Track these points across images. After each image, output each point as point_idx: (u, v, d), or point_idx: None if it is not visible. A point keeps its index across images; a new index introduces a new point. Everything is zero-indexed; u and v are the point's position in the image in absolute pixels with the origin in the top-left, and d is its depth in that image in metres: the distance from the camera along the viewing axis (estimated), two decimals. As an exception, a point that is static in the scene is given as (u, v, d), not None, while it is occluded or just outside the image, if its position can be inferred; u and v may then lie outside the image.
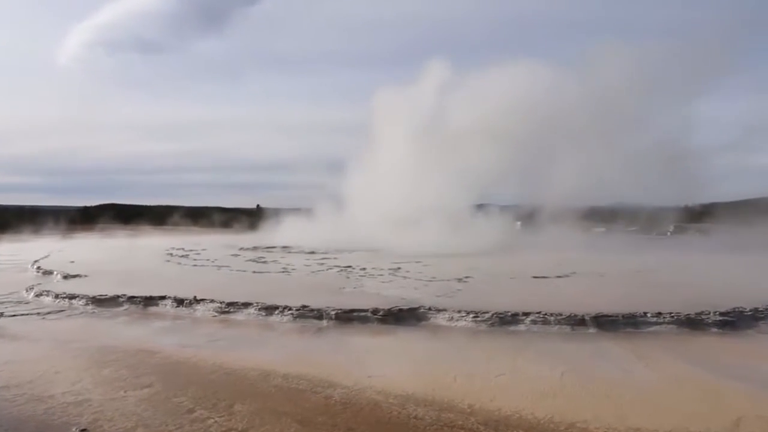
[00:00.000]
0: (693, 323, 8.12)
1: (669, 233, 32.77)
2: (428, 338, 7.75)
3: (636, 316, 8.26)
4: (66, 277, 13.32)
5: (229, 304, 9.42)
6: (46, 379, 6.06)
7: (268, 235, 32.32)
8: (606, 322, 8.11)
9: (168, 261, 17.39)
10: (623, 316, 8.22)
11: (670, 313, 8.27)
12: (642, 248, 21.12)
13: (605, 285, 11.74)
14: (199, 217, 42.72)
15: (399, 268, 14.61)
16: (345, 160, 29.74)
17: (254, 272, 14.12)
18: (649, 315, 8.26)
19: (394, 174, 25.56)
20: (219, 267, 15.48)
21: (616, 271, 14.02)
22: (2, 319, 9.16)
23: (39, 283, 12.36)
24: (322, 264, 16.08)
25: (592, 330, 7.99)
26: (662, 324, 8.11)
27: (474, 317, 8.40)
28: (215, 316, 9.27)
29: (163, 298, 10.03)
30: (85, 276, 13.31)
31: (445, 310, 8.74)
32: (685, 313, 8.27)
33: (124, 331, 8.35)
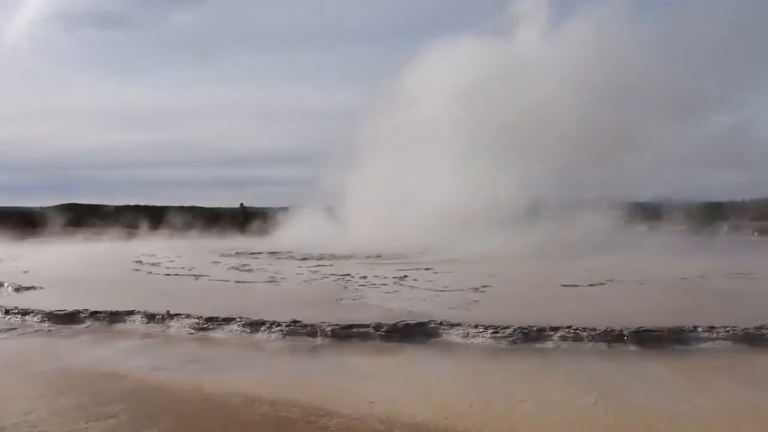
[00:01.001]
0: (752, 339, 8.05)
1: (723, 233, 32.65)
2: (440, 357, 7.73)
3: (684, 330, 8.20)
4: (18, 289, 13.38)
5: (208, 320, 9.43)
6: (-5, 408, 6.07)
7: (253, 238, 32.41)
8: (648, 339, 8.05)
9: (137, 270, 17.45)
10: (669, 331, 8.16)
11: (725, 327, 8.20)
12: (691, 250, 21.03)
13: (647, 294, 11.69)
14: (173, 218, 42.87)
15: (405, 277, 14.62)
16: (347, 150, 29.70)
17: (237, 282, 14.17)
18: (700, 329, 8.20)
19: (434, 162, 25.26)
20: (196, 276, 15.52)
21: (660, 277, 13.96)
22: (-55, 338, 9.20)
23: (-12, 297, 12.42)
24: (316, 272, 16.11)
25: (632, 347, 7.94)
26: (716, 340, 8.04)
27: (493, 333, 8.37)
28: (192, 333, 9.27)
29: (131, 313, 10.05)
30: (41, 288, 13.37)
31: (459, 324, 8.71)
32: (743, 327, 8.19)
33: (86, 352, 8.36)
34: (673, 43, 26.43)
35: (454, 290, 12.24)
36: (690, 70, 25.62)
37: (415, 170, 26.28)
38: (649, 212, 32.97)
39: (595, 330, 8.20)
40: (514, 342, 8.22)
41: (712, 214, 32.82)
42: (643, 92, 25.25)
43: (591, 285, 12.84)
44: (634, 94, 25.22)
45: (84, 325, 9.96)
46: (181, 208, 48.65)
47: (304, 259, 20.71)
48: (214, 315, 9.52)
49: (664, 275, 14.41)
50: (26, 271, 16.58)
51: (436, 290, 12.32)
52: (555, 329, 8.30)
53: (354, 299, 11.37)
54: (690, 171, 26.99)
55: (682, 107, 25.76)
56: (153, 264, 19.05)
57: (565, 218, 24.77)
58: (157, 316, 9.81)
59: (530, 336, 8.28)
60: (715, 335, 8.10)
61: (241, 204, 48.08)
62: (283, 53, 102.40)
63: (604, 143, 25.51)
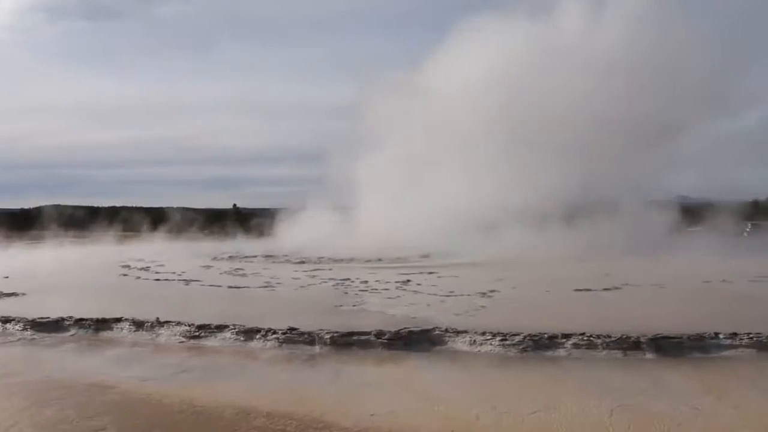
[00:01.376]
0: (776, 346, 8.03)
1: (746, 233, 32.55)
2: (445, 367, 7.73)
3: (705, 337, 8.19)
4: (-1, 295, 13.42)
5: (200, 327, 9.45)
6: (-25, 421, 6.09)
7: (247, 241, 32.47)
8: (667, 346, 8.04)
9: (125, 275, 17.51)
10: (689, 338, 8.15)
11: (749, 333, 8.18)
12: (711, 252, 20.98)
13: (665, 299, 11.68)
14: (162, 220, 42.96)
15: (408, 281, 14.65)
16: (352, 147, 29.74)
17: (230, 287, 14.20)
18: (721, 336, 8.19)
19: (449, 159, 25.23)
20: (187, 281, 15.57)
21: (679, 280, 13.95)
22: None
23: (-33, 304, 12.45)
24: (314, 276, 16.15)
25: (649, 355, 7.93)
26: (738, 347, 8.01)
27: (501, 340, 8.38)
28: (183, 342, 9.29)
29: (118, 320, 10.08)
30: (23, 294, 13.42)
31: (465, 331, 8.72)
32: None
33: (71, 362, 8.39)
34: (720, 31, 26.58)
35: (460, 295, 12.25)
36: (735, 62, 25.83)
37: (428, 169, 26.43)
38: (674, 211, 32.90)
39: (609, 337, 8.19)
40: (523, 350, 8.21)
41: (737, 212, 32.67)
42: (685, 82, 25.35)
43: (606, 289, 12.83)
44: (678, 85, 25.38)
45: (68, 334, 9.98)
46: (171, 209, 48.77)
47: (301, 262, 20.76)
48: (206, 322, 9.54)
49: (684, 278, 14.40)
50: (7, 277, 16.63)
51: (441, 295, 12.33)
52: (567, 336, 8.29)
53: (354, 305, 11.39)
54: (720, 167, 27.23)
55: (725, 99, 25.96)
56: (142, 269, 19.11)
57: (592, 219, 24.85)
58: (146, 324, 9.83)
59: (541, 343, 8.27)
60: (737, 342, 8.08)
61: (234, 205, 48.21)
62: (281, 45, 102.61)
63: (638, 138, 25.65)
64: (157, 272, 18.01)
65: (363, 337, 8.70)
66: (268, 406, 6.29)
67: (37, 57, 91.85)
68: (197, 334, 9.38)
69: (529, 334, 8.38)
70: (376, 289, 13.44)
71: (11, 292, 13.67)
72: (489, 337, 8.47)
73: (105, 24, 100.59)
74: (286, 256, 23.12)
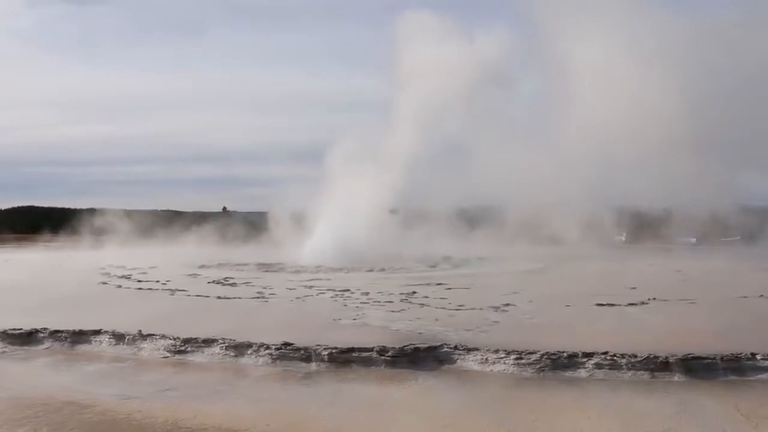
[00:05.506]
0: (819, 369, 8.02)
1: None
2: (454, 387, 7.75)
3: (741, 358, 8.18)
4: (-32, 304, 13.47)
5: (186, 341, 9.49)
6: (-59, 441, 6.13)
7: (238, 247, 32.56)
8: (699, 367, 8.04)
9: (104, 283, 17.56)
10: (723, 359, 8.13)
11: (788, 354, 8.17)
12: (748, 265, 20.92)
13: (697, 316, 11.65)
14: (145, 223, 43.08)
15: (414, 293, 14.68)
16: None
17: (220, 298, 14.24)
18: (759, 357, 8.17)
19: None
20: (172, 291, 15.61)
21: (712, 296, 13.92)
22: None
23: (-67, 313, 12.51)
24: (311, 287, 16.18)
25: (679, 377, 7.92)
26: (777, 369, 8.01)
27: (516, 359, 8.38)
28: (167, 357, 9.33)
29: (97, 332, 10.13)
30: (-6, 303, 13.46)
31: (476, 349, 8.73)
32: (809, 355, 8.17)
33: (46, 378, 8.43)
34: None
35: (471, 309, 12.25)
36: None
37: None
38: (696, 221, 32.88)
39: (635, 356, 8.18)
40: (540, 370, 8.22)
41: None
42: None
43: (631, 304, 12.81)
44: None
45: (43, 347, 10.02)
46: (155, 212, 48.92)
47: (297, 271, 20.79)
48: (193, 336, 9.57)
49: (718, 293, 14.35)
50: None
51: (450, 309, 12.33)
52: (589, 355, 8.29)
53: (354, 319, 11.40)
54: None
55: None
56: (123, 276, 19.17)
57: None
58: (127, 337, 9.87)
59: (560, 363, 8.28)
60: (776, 364, 8.07)
61: (224, 207, 48.38)
62: (275, 32, 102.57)
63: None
64: (139, 281, 18.06)
65: (364, 354, 8.71)
66: (260, 428, 6.32)
67: (12, 45, 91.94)
68: (183, 348, 9.41)
69: (547, 353, 8.37)
70: (379, 302, 13.45)
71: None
72: (503, 356, 8.48)
73: (87, 8, 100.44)
74: (280, 264, 23.18)
